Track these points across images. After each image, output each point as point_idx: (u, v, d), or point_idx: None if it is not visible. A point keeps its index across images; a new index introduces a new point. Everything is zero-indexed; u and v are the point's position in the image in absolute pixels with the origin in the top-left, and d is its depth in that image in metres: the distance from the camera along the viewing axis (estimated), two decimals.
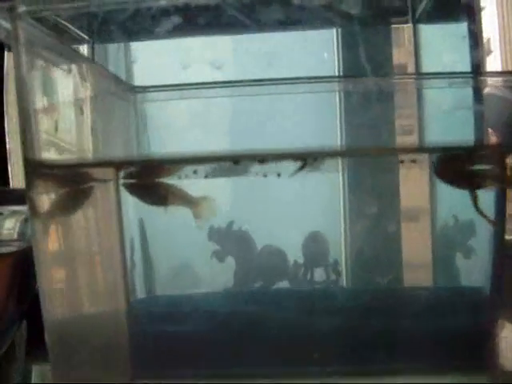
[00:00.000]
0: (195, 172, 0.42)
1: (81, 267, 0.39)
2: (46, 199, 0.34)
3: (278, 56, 0.50)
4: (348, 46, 0.60)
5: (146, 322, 0.45)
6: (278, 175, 0.41)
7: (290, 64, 0.51)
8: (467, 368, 0.43)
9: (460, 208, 0.48)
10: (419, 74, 0.61)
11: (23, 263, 0.48)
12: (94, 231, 0.42)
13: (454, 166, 0.42)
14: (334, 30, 0.61)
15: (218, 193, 0.43)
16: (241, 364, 0.44)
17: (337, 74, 0.61)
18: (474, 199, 0.43)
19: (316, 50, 0.60)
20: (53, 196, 0.35)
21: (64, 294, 0.37)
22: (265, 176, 0.40)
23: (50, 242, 0.35)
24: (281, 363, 0.44)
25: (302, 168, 0.38)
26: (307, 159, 0.38)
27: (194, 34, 0.48)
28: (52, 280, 0.35)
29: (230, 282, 0.48)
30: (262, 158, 0.39)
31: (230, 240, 0.47)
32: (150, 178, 0.41)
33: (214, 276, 0.48)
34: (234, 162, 0.39)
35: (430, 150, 0.43)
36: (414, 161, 0.42)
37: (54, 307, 0.35)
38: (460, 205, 0.48)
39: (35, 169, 0.33)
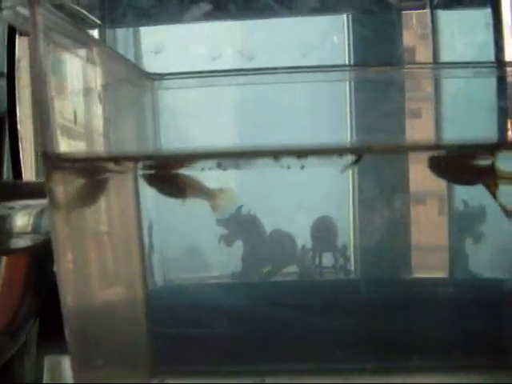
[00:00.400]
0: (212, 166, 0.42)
1: (99, 257, 0.38)
2: (65, 191, 0.33)
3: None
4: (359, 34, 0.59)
5: (163, 314, 0.44)
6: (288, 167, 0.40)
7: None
8: (491, 366, 0.42)
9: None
10: (435, 64, 0.59)
11: (39, 257, 0.47)
12: (113, 221, 0.41)
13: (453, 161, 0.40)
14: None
15: (228, 180, 0.43)
16: (258, 361, 0.44)
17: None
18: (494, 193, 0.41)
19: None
20: (72, 188, 0.34)
21: (82, 284, 0.36)
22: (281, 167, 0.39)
23: (70, 234, 0.34)
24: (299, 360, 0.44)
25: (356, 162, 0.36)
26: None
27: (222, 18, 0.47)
28: (71, 271, 0.34)
29: (238, 267, 0.48)
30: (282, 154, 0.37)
31: (239, 224, 0.46)
32: (167, 170, 0.40)
33: (224, 261, 0.47)
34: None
35: (447, 148, 0.41)
36: None
37: (73, 298, 0.34)
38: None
39: (54, 162, 0.32)
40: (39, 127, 0.32)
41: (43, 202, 0.46)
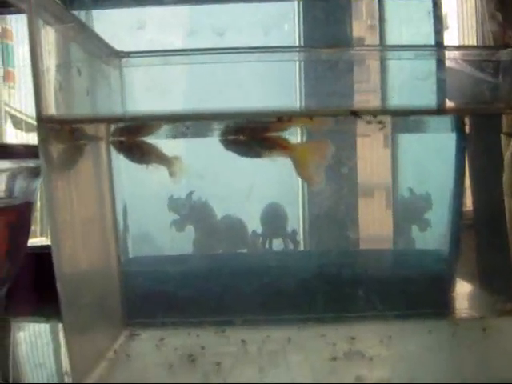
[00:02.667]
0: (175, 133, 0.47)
1: (84, 222, 0.42)
2: (56, 153, 0.37)
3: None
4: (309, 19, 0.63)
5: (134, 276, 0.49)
6: None
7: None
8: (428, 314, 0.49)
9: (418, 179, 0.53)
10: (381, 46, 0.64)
11: (16, 221, 0.50)
12: (93, 188, 0.45)
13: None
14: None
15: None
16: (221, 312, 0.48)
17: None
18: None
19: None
20: (62, 150, 0.38)
21: (71, 246, 0.39)
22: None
23: (62, 196, 0.38)
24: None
25: None
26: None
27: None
28: (63, 232, 0.38)
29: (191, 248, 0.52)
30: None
31: (190, 210, 0.51)
32: (134, 137, 0.45)
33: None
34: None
35: (392, 113, 0.46)
36: (380, 122, 0.44)
37: (65, 255, 0.38)
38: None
39: (47, 124, 0.35)
40: (34, 94, 0.35)
41: (14, 165, 0.49)
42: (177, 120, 0.44)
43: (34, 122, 0.35)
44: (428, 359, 0.42)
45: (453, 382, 0.40)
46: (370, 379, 0.39)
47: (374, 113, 0.42)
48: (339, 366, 0.41)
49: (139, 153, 0.46)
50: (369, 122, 0.43)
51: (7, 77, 1.18)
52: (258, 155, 0.45)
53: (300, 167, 0.45)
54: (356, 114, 0.42)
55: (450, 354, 0.44)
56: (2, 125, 1.19)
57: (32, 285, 0.64)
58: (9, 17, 1.13)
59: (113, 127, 0.45)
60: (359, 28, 0.65)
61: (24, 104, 1.21)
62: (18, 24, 1.13)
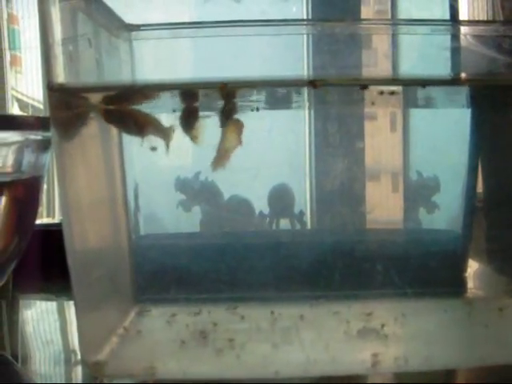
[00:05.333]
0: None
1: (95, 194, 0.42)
2: (67, 123, 0.36)
3: None
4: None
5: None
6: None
7: None
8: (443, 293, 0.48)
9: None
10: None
11: (24, 196, 0.49)
12: (103, 163, 0.45)
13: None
14: None
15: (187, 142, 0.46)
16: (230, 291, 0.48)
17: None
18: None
19: None
20: (72, 121, 0.37)
21: (82, 220, 0.39)
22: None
23: (73, 169, 0.37)
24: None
25: None
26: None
27: None
28: (73, 206, 0.37)
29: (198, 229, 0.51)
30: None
31: (197, 190, 0.50)
32: (125, 105, 0.43)
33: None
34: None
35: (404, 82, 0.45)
36: (392, 92, 0.43)
37: (75, 232, 0.37)
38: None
39: (57, 92, 0.35)
40: (45, 63, 0.35)
41: (22, 137, 0.48)
42: (185, 88, 0.42)
43: (41, 106, 0.35)
44: (443, 338, 0.42)
45: (468, 361, 0.39)
46: (386, 357, 0.38)
47: (385, 83, 0.41)
48: (354, 343, 0.41)
49: (132, 123, 0.44)
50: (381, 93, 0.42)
51: (14, 61, 1.18)
52: None
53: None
54: (365, 86, 0.41)
55: (466, 333, 0.44)
56: (8, 108, 1.19)
57: (40, 262, 0.64)
58: (15, 1, 1.13)
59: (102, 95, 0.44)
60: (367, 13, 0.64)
61: (31, 88, 1.21)
62: (23, 9, 1.13)
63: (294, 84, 0.44)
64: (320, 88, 0.41)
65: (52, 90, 0.35)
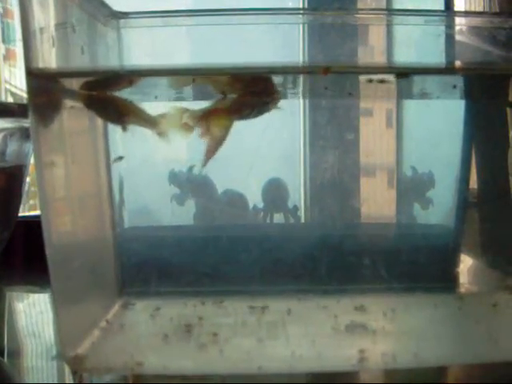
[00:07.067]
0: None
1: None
2: (46, 109, 0.35)
3: None
4: None
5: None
6: None
7: None
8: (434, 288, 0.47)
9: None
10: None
11: (8, 184, 0.48)
12: (86, 153, 0.43)
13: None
14: None
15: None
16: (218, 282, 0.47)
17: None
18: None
19: None
20: (52, 108, 0.36)
21: (61, 209, 0.38)
22: None
23: (51, 156, 0.36)
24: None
25: None
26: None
27: None
28: (52, 194, 0.36)
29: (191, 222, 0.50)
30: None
31: (191, 184, 0.49)
32: (103, 90, 0.41)
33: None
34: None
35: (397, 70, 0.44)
36: (382, 81, 0.42)
37: (54, 221, 0.36)
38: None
39: (36, 76, 0.34)
40: (23, 46, 0.34)
41: (6, 125, 0.47)
42: (176, 74, 0.41)
43: None
44: (433, 334, 0.41)
45: (460, 359, 0.38)
46: (373, 353, 0.37)
47: (379, 71, 0.40)
48: (341, 338, 0.40)
49: (112, 109, 0.43)
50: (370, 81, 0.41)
51: (8, 55, 1.18)
52: None
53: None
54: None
55: (457, 328, 0.43)
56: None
57: (25, 253, 0.63)
58: None
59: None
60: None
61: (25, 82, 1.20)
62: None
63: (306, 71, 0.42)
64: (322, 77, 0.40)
65: (31, 74, 0.34)
